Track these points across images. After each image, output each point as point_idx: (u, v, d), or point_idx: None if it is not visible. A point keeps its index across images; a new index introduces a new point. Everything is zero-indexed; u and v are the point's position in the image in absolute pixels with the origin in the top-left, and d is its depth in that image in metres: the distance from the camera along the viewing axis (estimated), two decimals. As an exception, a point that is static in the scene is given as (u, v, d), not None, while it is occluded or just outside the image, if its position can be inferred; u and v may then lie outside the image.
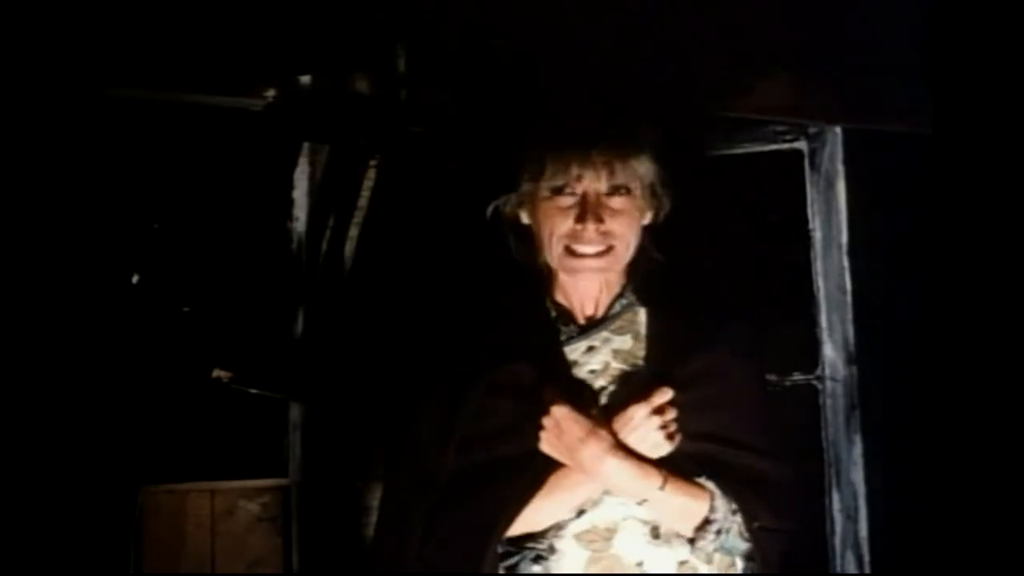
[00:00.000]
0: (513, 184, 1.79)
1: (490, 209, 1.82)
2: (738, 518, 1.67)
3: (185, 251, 2.31)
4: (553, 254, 1.75)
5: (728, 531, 1.67)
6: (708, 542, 1.67)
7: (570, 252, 1.74)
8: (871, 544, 2.30)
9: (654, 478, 1.65)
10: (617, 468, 1.64)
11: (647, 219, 1.80)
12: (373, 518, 2.14)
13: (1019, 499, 1.81)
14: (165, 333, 2.27)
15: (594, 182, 1.71)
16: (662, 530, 1.69)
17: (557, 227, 1.74)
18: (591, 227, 1.71)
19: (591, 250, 1.73)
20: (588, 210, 1.71)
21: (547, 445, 1.67)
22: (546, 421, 1.66)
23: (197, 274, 2.31)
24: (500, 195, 1.81)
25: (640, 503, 1.66)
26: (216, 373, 2.13)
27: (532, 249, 1.80)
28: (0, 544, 1.82)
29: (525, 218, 1.80)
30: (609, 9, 2.18)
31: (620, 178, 1.72)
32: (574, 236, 1.73)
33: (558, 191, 1.73)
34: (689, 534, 1.68)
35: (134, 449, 2.15)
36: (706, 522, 1.66)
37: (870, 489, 2.31)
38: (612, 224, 1.72)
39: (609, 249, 1.73)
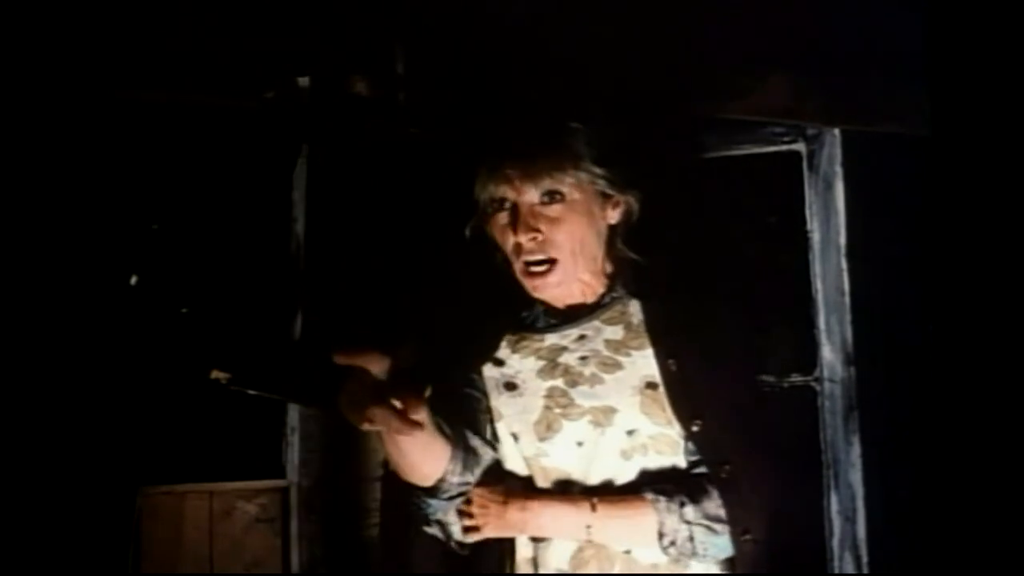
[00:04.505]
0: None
1: (467, 230, 1.82)
2: (697, 528, 1.66)
3: (184, 252, 2.30)
4: (518, 273, 1.76)
5: (691, 539, 1.66)
6: (672, 557, 1.67)
7: (527, 272, 1.74)
8: (869, 545, 2.31)
9: (581, 503, 1.66)
10: (540, 511, 1.67)
11: (612, 219, 1.80)
12: (371, 519, 2.15)
13: (1017, 500, 1.82)
14: (163, 334, 2.26)
15: (524, 194, 1.72)
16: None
17: (505, 244, 1.76)
18: (524, 237, 1.71)
19: (535, 259, 1.73)
20: (520, 220, 1.72)
21: (492, 530, 1.70)
22: (475, 511, 1.70)
23: (196, 275, 2.31)
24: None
25: (588, 531, 1.66)
26: (214, 374, 2.12)
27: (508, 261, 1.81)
28: (0, 544, 1.83)
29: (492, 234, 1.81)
30: (608, 11, 2.18)
31: (547, 184, 1.72)
32: (518, 250, 1.74)
33: (497, 207, 1.75)
34: (656, 549, 1.67)
35: (133, 450, 2.15)
36: (660, 535, 1.66)
37: (868, 490, 2.31)
38: (551, 233, 1.72)
39: (553, 262, 1.73)
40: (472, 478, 1.70)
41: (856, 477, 2.31)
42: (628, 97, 2.09)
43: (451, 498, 1.69)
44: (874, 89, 2.31)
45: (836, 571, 2.32)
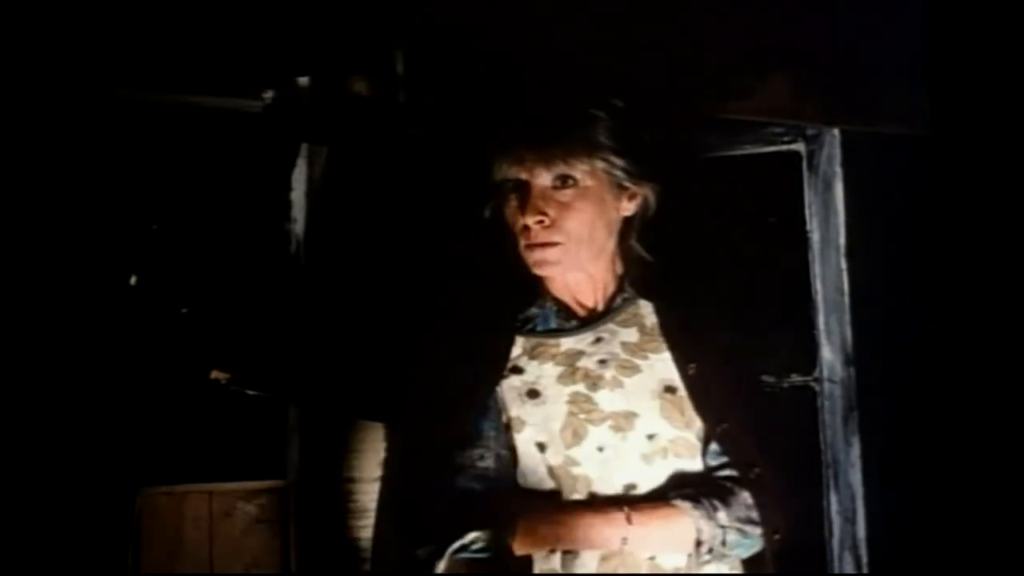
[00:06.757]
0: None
1: (487, 212, 1.82)
2: (730, 532, 1.66)
3: (183, 252, 2.30)
4: (521, 251, 1.76)
5: (724, 543, 1.66)
6: (704, 561, 1.66)
7: (528, 247, 1.74)
8: (869, 546, 2.31)
9: (614, 514, 1.64)
10: (573, 524, 1.64)
11: (626, 211, 1.80)
12: (370, 520, 2.15)
13: (1016, 500, 1.82)
14: (163, 334, 2.26)
15: (537, 177, 1.72)
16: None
17: (514, 225, 1.76)
18: (532, 219, 1.71)
19: (538, 241, 1.73)
20: (529, 202, 1.72)
21: (522, 547, 1.65)
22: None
23: (195, 275, 2.30)
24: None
25: (624, 542, 1.64)
26: (214, 374, 2.12)
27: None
28: (0, 544, 1.82)
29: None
30: (608, 11, 2.18)
31: (560, 168, 1.72)
32: (525, 231, 1.73)
33: (511, 188, 1.75)
34: (690, 554, 1.66)
35: (132, 450, 2.15)
36: (698, 543, 1.65)
37: (868, 491, 2.31)
38: (560, 218, 1.72)
39: (555, 244, 1.72)
40: None
41: (856, 477, 2.31)
42: (625, 96, 2.09)
43: None
44: (874, 89, 2.31)
45: (836, 571, 2.32)
